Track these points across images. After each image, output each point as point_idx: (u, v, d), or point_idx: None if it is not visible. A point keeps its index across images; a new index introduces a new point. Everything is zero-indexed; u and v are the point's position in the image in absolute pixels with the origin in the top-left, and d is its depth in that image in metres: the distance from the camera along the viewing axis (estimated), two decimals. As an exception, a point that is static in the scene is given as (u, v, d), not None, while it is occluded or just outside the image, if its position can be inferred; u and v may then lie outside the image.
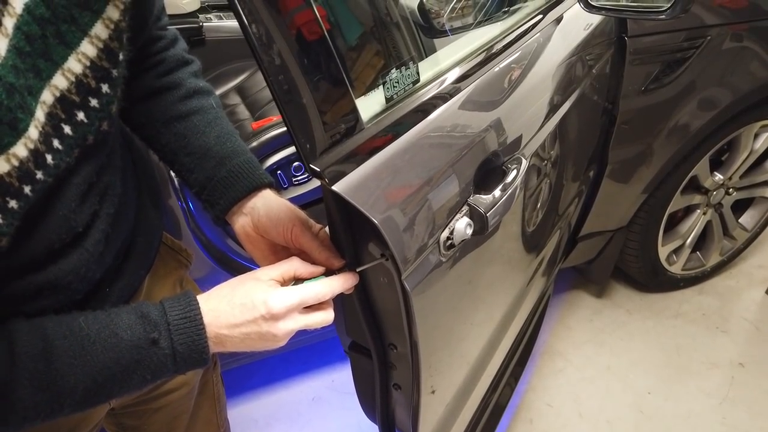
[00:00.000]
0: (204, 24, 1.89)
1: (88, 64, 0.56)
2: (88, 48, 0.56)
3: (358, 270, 0.69)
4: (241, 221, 0.76)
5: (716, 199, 2.06)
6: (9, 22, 0.50)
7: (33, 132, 0.51)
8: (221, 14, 2.01)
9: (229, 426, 1.13)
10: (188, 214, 1.53)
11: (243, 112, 1.85)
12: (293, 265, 0.67)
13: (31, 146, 0.51)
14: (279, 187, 1.70)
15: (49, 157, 0.53)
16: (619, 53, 1.53)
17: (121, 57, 0.61)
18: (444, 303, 0.88)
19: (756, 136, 1.96)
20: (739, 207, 2.19)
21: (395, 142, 0.69)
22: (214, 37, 1.91)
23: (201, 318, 0.61)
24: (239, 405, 1.96)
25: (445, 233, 0.75)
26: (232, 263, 1.62)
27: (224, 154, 0.76)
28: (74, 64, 0.55)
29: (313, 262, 0.71)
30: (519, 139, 0.99)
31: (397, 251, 0.66)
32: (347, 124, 0.64)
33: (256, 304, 0.62)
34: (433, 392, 0.95)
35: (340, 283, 0.67)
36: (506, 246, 1.14)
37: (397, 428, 1.01)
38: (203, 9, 1.97)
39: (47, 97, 0.53)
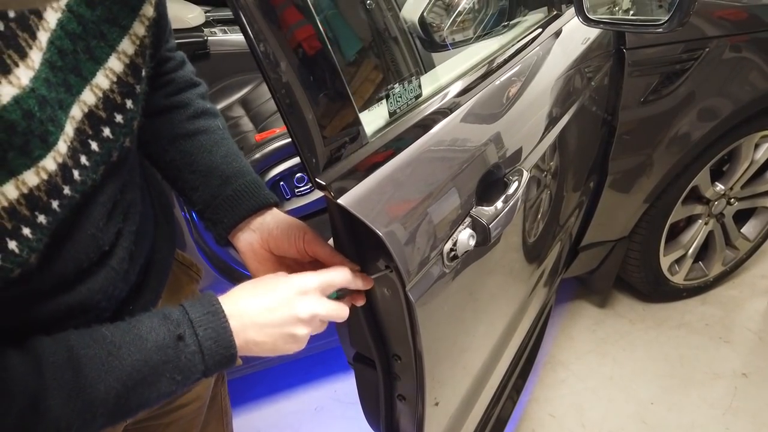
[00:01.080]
0: (209, 38, 1.91)
1: (114, 79, 0.58)
2: (115, 64, 0.58)
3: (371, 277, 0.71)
4: (248, 238, 0.77)
5: (718, 209, 2.06)
6: (43, 36, 0.51)
7: (62, 146, 0.52)
8: (226, 28, 2.04)
9: None
10: (192, 224, 1.54)
11: (247, 124, 1.87)
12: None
13: (60, 160, 0.52)
14: (282, 198, 1.71)
15: (76, 173, 0.54)
16: (617, 65, 1.55)
17: (144, 73, 0.62)
18: (447, 314, 0.89)
19: (756, 146, 1.97)
20: (742, 217, 2.20)
21: (398, 156, 0.71)
22: (219, 50, 1.94)
23: (223, 311, 0.61)
24: (242, 415, 1.96)
25: (448, 245, 0.76)
26: (236, 273, 1.63)
27: (230, 173, 0.77)
28: (102, 80, 0.56)
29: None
30: (519, 151, 1.01)
31: (401, 263, 0.67)
32: (351, 138, 0.65)
33: (278, 286, 0.64)
34: (436, 404, 0.96)
35: (360, 279, 0.69)
36: (508, 257, 1.14)
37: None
38: (208, 23, 2.00)
39: (76, 112, 0.54)
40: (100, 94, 0.56)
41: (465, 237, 0.76)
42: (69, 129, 0.53)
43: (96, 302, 0.61)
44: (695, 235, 2.09)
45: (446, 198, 0.77)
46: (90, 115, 0.56)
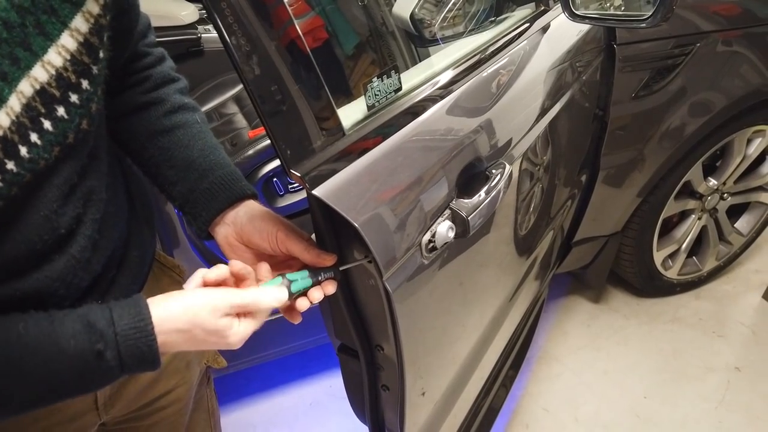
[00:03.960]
0: (202, 35, 1.92)
1: (68, 57, 0.57)
2: (68, 41, 0.57)
3: (341, 268, 0.71)
4: (224, 231, 0.77)
5: (711, 204, 2.07)
6: None
7: (3, 118, 0.52)
8: (219, 25, 2.04)
9: None
10: (185, 219, 1.55)
11: (240, 120, 1.88)
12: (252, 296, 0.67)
13: (0, 133, 0.52)
14: (275, 194, 1.72)
15: (23, 150, 0.54)
16: (608, 61, 1.55)
17: (101, 54, 0.61)
18: (433, 305, 0.90)
19: (749, 141, 1.97)
20: (735, 212, 2.20)
21: (377, 147, 0.72)
22: (213, 47, 1.95)
23: (152, 327, 0.59)
24: (237, 410, 1.97)
25: (427, 236, 0.77)
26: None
27: (207, 166, 0.77)
28: (54, 57, 0.56)
29: (303, 264, 0.72)
30: (506, 143, 1.02)
31: (378, 253, 0.68)
32: (328, 130, 0.66)
33: (218, 343, 0.63)
34: (423, 394, 0.97)
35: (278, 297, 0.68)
36: (496, 249, 1.15)
37: (387, 429, 1.03)
38: (202, 20, 2.01)
39: (25, 87, 0.54)
40: (53, 72, 0.56)
41: (444, 229, 0.77)
42: (15, 103, 0.53)
43: (54, 290, 0.61)
44: (688, 230, 2.09)
45: (425, 189, 0.78)
46: (42, 92, 0.55)
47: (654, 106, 1.68)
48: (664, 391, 1.93)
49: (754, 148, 2.00)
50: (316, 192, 0.62)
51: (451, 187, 0.82)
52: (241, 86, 1.99)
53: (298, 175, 0.61)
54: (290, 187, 1.70)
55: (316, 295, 0.71)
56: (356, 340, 0.85)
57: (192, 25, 1.90)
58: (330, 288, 0.72)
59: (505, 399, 1.57)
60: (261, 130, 1.72)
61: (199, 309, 0.62)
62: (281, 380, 2.06)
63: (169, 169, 0.78)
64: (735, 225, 2.21)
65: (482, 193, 0.84)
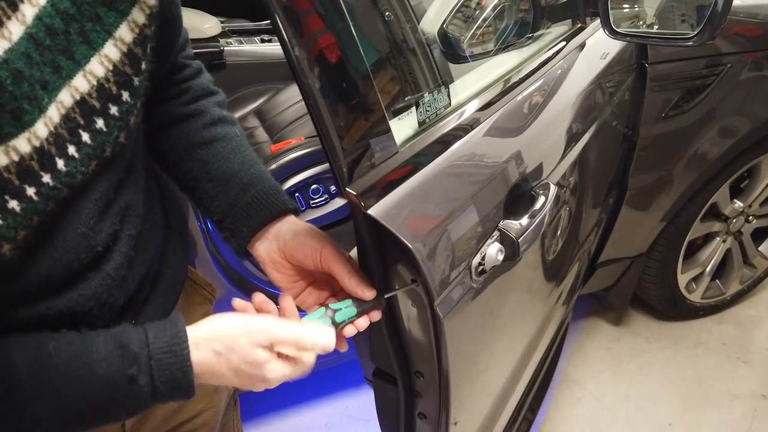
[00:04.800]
0: (225, 48, 1.91)
1: (110, 67, 0.55)
2: (111, 50, 0.55)
3: (386, 296, 0.68)
4: (266, 247, 0.74)
5: (736, 226, 2.03)
6: (29, 11, 0.49)
7: (41, 129, 0.49)
8: (242, 39, 2.04)
9: None
10: (207, 234, 1.53)
11: (262, 134, 1.86)
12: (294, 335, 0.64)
13: (37, 144, 0.49)
14: (299, 212, 1.69)
15: (60, 162, 0.51)
16: (639, 80, 1.53)
17: (144, 66, 0.59)
18: (469, 332, 0.86)
19: (776, 163, 1.94)
20: (760, 235, 2.16)
21: (427, 167, 0.69)
22: (235, 61, 1.94)
23: (188, 353, 0.56)
24: (251, 430, 1.93)
25: (477, 259, 0.74)
26: (250, 286, 1.61)
27: (247, 180, 0.75)
28: (97, 67, 0.54)
29: (342, 289, 0.69)
30: (540, 166, 0.99)
31: (430, 277, 0.65)
32: (382, 147, 0.63)
33: (253, 376, 0.59)
34: (455, 424, 0.93)
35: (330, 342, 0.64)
36: (528, 275, 1.12)
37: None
38: (224, 34, 2.00)
39: (65, 97, 0.52)
40: (94, 82, 0.53)
41: (493, 251, 0.74)
42: (54, 113, 0.51)
43: (88, 309, 0.58)
44: (713, 253, 2.06)
45: (474, 211, 0.75)
46: (82, 103, 0.53)
47: (683, 126, 1.65)
48: (690, 418, 1.88)
49: (781, 171, 1.96)
50: (371, 212, 0.59)
51: (498, 208, 0.79)
52: (262, 100, 1.98)
53: (354, 193, 0.58)
54: (312, 202, 1.67)
55: (362, 323, 0.68)
56: (395, 366, 0.81)
57: (214, 38, 1.90)
58: (376, 315, 0.70)
59: (529, 429, 1.53)
60: (283, 145, 1.70)
61: (237, 332, 0.59)
62: (296, 400, 2.01)
63: (208, 183, 0.75)
64: (759, 248, 2.17)
65: (529, 214, 0.81)
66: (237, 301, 0.67)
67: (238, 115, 1.94)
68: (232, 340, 0.59)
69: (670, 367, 2.06)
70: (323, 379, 2.06)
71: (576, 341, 2.19)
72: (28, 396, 0.51)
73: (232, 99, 1.95)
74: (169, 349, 0.56)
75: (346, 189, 0.58)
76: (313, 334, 0.62)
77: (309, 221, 1.67)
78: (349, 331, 0.67)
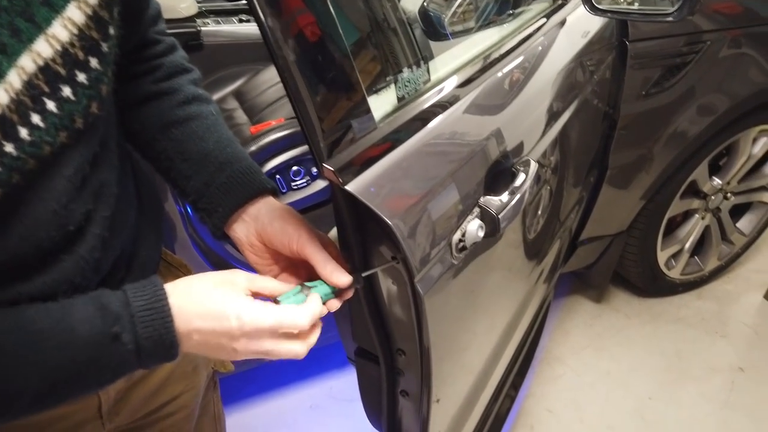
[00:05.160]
0: (202, 28, 1.87)
1: (75, 31, 0.52)
2: (75, 13, 0.52)
3: (364, 274, 0.67)
4: (244, 229, 0.72)
5: (714, 203, 2.06)
6: None
7: (1, 96, 0.48)
8: (219, 19, 2.00)
9: None
10: (186, 218, 1.51)
11: (241, 116, 1.83)
12: (271, 285, 0.64)
13: None
14: (278, 192, 1.68)
15: (23, 131, 0.49)
16: (620, 58, 1.53)
17: (111, 31, 0.57)
18: (450, 310, 0.86)
19: (754, 140, 1.96)
20: (737, 212, 2.20)
21: (407, 142, 0.68)
22: (212, 41, 1.90)
23: (169, 309, 0.56)
24: (235, 413, 1.93)
25: (457, 235, 0.74)
26: (230, 268, 1.60)
27: (224, 159, 0.73)
28: (60, 30, 0.51)
29: (317, 276, 0.68)
30: (530, 139, 0.99)
31: (410, 254, 0.64)
32: (360, 123, 0.62)
33: (228, 314, 0.57)
34: (437, 401, 0.94)
35: (319, 311, 0.63)
36: (509, 254, 1.12)
37: (404, 435, 0.99)
38: (201, 14, 1.96)
39: (27, 62, 0.49)
40: (58, 47, 0.51)
41: (474, 228, 0.74)
42: (14, 79, 0.48)
43: (61, 293, 0.57)
44: (692, 230, 2.08)
45: (454, 187, 0.74)
46: (45, 69, 0.51)
47: (663, 104, 1.66)
48: (669, 392, 1.92)
49: (759, 148, 1.99)
50: (349, 188, 0.58)
51: (479, 185, 0.79)
52: (241, 81, 1.95)
53: (331, 169, 0.57)
54: (293, 184, 1.66)
55: (334, 304, 0.68)
56: (377, 344, 0.81)
57: (191, 18, 1.85)
58: (347, 294, 0.69)
59: (511, 406, 1.55)
60: (263, 126, 1.67)
61: (213, 279, 0.60)
62: (280, 383, 2.01)
63: (182, 162, 0.73)
64: (737, 225, 2.20)
65: (510, 190, 0.80)
66: None
67: (216, 96, 1.91)
68: (212, 295, 0.59)
69: (650, 342, 2.10)
70: (308, 360, 2.06)
71: (557, 319, 2.21)
72: (14, 363, 0.50)
73: (211, 80, 1.92)
74: (150, 306, 0.55)
75: (323, 165, 0.57)
76: (298, 309, 0.62)
77: (290, 203, 1.65)
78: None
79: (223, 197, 0.71)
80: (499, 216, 0.75)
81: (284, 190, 1.67)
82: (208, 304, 0.58)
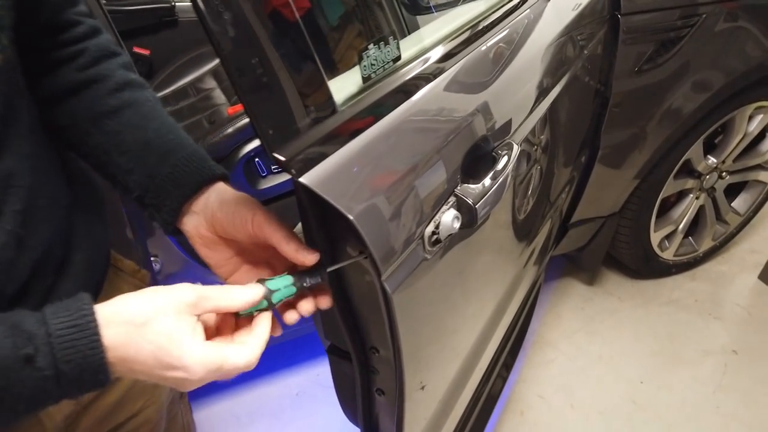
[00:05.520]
0: (176, 4, 1.79)
1: None
2: None
3: (329, 269, 0.62)
4: (193, 221, 0.65)
5: (709, 183, 2.01)
6: None
7: None
8: (194, -6, 1.91)
9: None
10: (147, 214, 1.44)
11: (219, 96, 1.76)
12: (225, 299, 0.56)
13: None
14: (257, 176, 1.62)
15: None
16: (611, 32, 1.46)
17: None
18: (433, 298, 0.81)
19: (750, 118, 1.90)
20: (732, 191, 2.15)
21: (373, 126, 0.62)
22: (188, 17, 1.81)
23: (96, 326, 0.48)
24: (221, 401, 1.89)
25: (430, 227, 0.68)
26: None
27: (166, 148, 0.66)
28: None
29: (281, 257, 0.62)
30: (509, 123, 0.92)
31: (376, 250, 0.59)
32: (318, 106, 0.56)
33: (171, 356, 0.50)
34: (422, 388, 0.89)
35: (266, 338, 0.58)
36: (497, 235, 1.07)
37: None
38: (175, -12, 1.87)
39: None
40: None
41: (449, 218, 0.68)
42: None
43: None
44: (686, 210, 2.04)
45: (428, 175, 0.69)
46: None
47: (657, 81, 1.59)
48: (661, 375, 1.89)
49: (755, 125, 1.93)
50: (303, 180, 0.52)
51: (455, 172, 0.73)
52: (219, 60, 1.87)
53: (282, 159, 0.51)
54: (274, 167, 1.59)
55: (307, 307, 0.62)
56: (348, 343, 0.76)
57: (165, -7, 1.77)
58: (324, 302, 0.63)
59: (503, 386, 1.51)
60: (241, 107, 1.61)
61: (155, 300, 0.52)
62: (266, 370, 1.98)
63: (120, 156, 0.65)
64: (732, 204, 2.15)
65: (490, 177, 0.75)
66: None
67: (193, 76, 1.83)
68: (152, 309, 0.51)
69: (643, 325, 2.06)
70: (294, 347, 2.02)
71: (549, 302, 2.17)
72: None
73: (187, 59, 1.84)
74: (73, 323, 0.47)
75: (274, 154, 0.51)
76: (241, 289, 0.56)
77: (270, 188, 1.60)
78: (291, 317, 0.61)
79: (170, 189, 0.65)
80: (477, 206, 0.70)
81: (264, 174, 1.61)
82: (148, 336, 0.50)
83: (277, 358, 2.01)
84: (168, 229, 0.67)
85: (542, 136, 1.17)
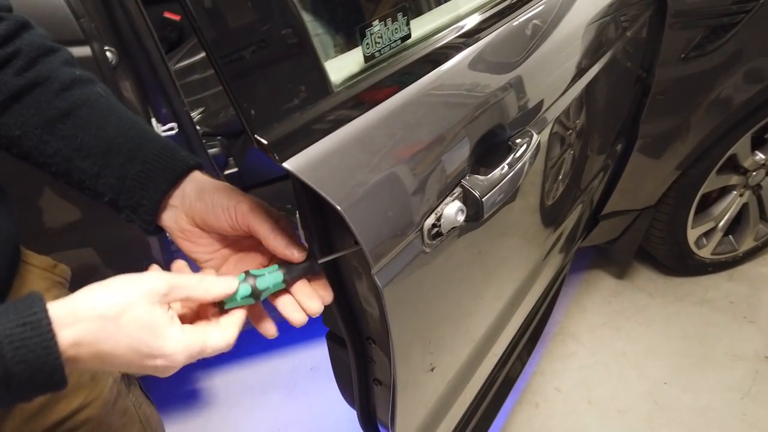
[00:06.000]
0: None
1: None
2: None
3: (321, 261, 0.58)
4: (172, 216, 0.61)
5: (755, 180, 1.89)
6: None
7: None
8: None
9: None
10: (125, 217, 1.42)
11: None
12: (200, 289, 0.54)
13: None
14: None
15: None
16: (658, 15, 1.37)
17: None
18: (434, 287, 0.77)
19: (806, 113, 1.77)
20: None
21: (372, 110, 0.58)
22: None
23: (48, 323, 0.44)
24: (235, 371, 1.91)
25: (431, 220, 0.64)
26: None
27: (132, 145, 0.61)
28: None
29: (267, 250, 0.59)
30: (537, 105, 0.87)
31: (367, 243, 0.55)
32: (310, 86, 0.52)
33: (151, 346, 0.48)
34: (432, 370, 0.86)
35: (238, 330, 0.56)
36: (522, 218, 1.03)
37: (379, 420, 0.93)
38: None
39: None
40: None
41: (452, 211, 0.64)
42: None
43: None
44: (728, 207, 1.93)
45: (431, 163, 0.64)
46: None
47: (704, 69, 1.49)
48: (687, 377, 1.81)
49: (811, 121, 1.80)
50: (288, 165, 0.49)
51: (464, 160, 0.68)
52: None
53: (264, 142, 0.48)
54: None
55: (314, 306, 0.60)
56: (345, 332, 0.73)
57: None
58: (327, 297, 0.60)
59: (521, 371, 1.48)
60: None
61: (127, 290, 0.49)
62: (282, 343, 1.98)
63: (83, 161, 0.61)
64: (779, 204, 2.03)
65: (503, 167, 0.70)
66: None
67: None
68: (124, 301, 0.48)
69: (672, 324, 1.98)
70: (310, 321, 2.01)
71: (575, 293, 2.11)
72: None
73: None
74: (22, 321, 0.43)
75: (255, 136, 0.47)
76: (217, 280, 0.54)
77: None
78: (297, 318, 0.61)
79: (143, 188, 0.61)
80: (484, 199, 0.65)
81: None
82: (124, 329, 0.48)
83: (294, 331, 2.00)
84: (149, 229, 0.63)
85: (577, 120, 1.11)
